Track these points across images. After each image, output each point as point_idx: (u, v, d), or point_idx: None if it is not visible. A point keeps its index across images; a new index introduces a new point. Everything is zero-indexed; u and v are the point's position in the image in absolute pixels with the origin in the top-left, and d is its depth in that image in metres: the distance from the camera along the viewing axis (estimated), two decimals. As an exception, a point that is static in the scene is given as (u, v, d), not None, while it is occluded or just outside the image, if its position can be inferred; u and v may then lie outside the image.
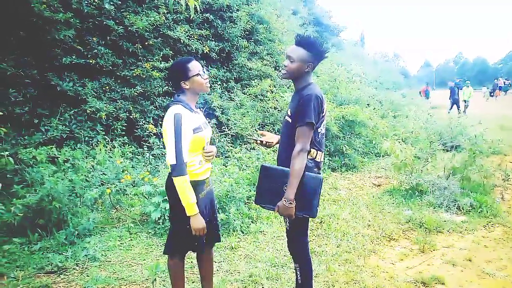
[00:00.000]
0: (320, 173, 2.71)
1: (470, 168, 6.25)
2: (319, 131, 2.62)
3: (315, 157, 2.65)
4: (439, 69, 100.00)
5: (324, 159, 2.75)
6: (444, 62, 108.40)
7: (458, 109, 20.07)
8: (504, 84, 38.31)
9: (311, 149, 2.59)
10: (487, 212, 5.27)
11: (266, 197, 2.68)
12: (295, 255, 2.89)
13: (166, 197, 4.40)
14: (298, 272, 2.86)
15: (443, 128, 9.39)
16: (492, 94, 33.02)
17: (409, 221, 5.04)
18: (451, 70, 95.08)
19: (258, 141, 3.00)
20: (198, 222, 2.47)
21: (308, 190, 2.55)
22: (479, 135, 7.64)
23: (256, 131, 7.44)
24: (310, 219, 2.89)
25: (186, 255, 2.84)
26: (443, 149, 8.20)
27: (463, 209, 5.37)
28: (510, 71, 62.55)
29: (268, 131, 7.69)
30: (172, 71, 2.60)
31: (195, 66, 2.56)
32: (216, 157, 6.18)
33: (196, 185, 2.55)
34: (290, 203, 2.48)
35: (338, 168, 7.90)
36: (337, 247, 4.30)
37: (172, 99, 2.58)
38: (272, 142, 2.99)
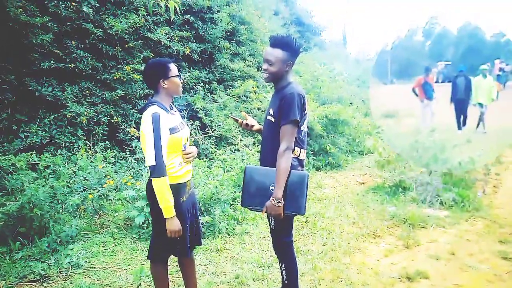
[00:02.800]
0: (304, 171, 2.71)
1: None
2: (302, 129, 2.64)
3: (299, 155, 2.66)
4: (396, 47, 70.37)
5: (305, 156, 2.76)
6: (407, 32, 72.88)
7: (464, 120, 11.26)
8: (503, 71, 18.16)
9: (295, 148, 2.60)
10: (469, 206, 5.36)
11: (253, 198, 2.67)
12: (280, 255, 2.89)
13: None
14: (283, 272, 2.87)
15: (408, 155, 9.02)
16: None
17: (393, 217, 5.09)
18: (420, 50, 56.80)
19: (239, 120, 3.00)
20: (173, 225, 2.44)
21: (295, 187, 2.55)
22: (470, 161, 7.53)
23: (231, 116, 7.42)
24: (294, 218, 2.89)
25: (170, 258, 2.82)
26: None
27: (446, 204, 5.45)
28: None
29: (252, 132, 7.66)
30: (152, 69, 2.56)
31: (174, 68, 2.57)
32: (200, 159, 6.17)
33: (177, 189, 2.53)
34: (279, 202, 2.48)
35: (322, 167, 7.94)
36: (322, 245, 4.32)
37: (147, 101, 2.55)
38: (253, 126, 2.99)
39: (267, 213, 2.55)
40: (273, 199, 2.49)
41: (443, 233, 4.65)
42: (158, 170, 2.34)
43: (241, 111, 7.32)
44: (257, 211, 2.69)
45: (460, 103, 11.18)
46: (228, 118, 7.09)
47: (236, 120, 3.03)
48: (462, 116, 11.23)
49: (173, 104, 2.71)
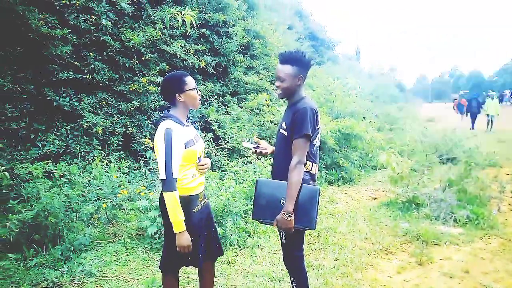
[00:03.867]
0: (315, 185, 2.72)
1: (466, 180, 6.28)
2: (314, 143, 2.65)
3: (311, 170, 2.67)
4: (435, 82, 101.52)
5: (317, 171, 2.76)
6: (439, 75, 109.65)
7: (472, 124, 18.46)
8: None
9: (307, 162, 2.61)
10: (483, 224, 5.28)
11: (264, 211, 2.68)
12: (290, 269, 2.88)
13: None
14: (294, 286, 2.85)
15: (438, 140, 9.44)
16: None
17: (406, 233, 5.03)
18: (447, 83, 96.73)
19: (253, 150, 2.99)
20: (183, 240, 2.45)
21: (306, 202, 2.55)
22: (474, 147, 7.70)
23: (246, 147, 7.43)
24: (306, 233, 2.89)
25: (182, 269, 2.83)
26: (439, 162, 8.23)
27: (460, 221, 5.37)
28: (505, 84, 63.33)
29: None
30: (169, 83, 2.60)
31: (191, 81, 2.60)
32: (212, 171, 6.19)
33: (190, 201, 2.57)
34: (290, 215, 2.48)
35: (335, 182, 7.91)
36: (334, 260, 4.29)
37: (162, 114, 2.59)
38: (267, 152, 2.99)
39: (278, 226, 2.55)
40: (283, 213, 2.49)
41: (457, 251, 4.58)
42: (168, 184, 2.38)
43: (253, 136, 7.36)
44: (267, 224, 2.69)
45: (473, 115, 18.87)
46: (244, 147, 7.09)
47: (251, 150, 3.02)
48: (474, 122, 18.85)
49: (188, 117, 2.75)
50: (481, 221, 5.34)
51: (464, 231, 5.14)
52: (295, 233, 2.61)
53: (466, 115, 18.73)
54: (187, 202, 2.52)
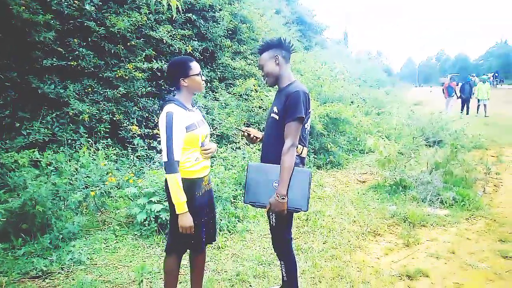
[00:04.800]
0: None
1: (452, 162, 6.37)
2: (305, 127, 2.66)
3: (301, 153, 2.68)
4: (422, 66, 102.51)
5: (307, 155, 2.78)
6: (426, 59, 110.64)
7: (467, 110, 17.86)
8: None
9: (298, 145, 2.62)
10: (469, 205, 5.38)
11: (256, 195, 2.69)
12: (279, 252, 2.91)
13: (151, 199, 4.41)
14: (283, 269, 2.88)
15: (425, 124, 9.53)
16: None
17: (394, 216, 5.11)
18: (434, 67, 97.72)
19: (246, 133, 2.99)
20: (185, 221, 2.48)
21: (298, 184, 2.57)
22: (460, 130, 7.79)
23: (239, 128, 7.41)
24: (295, 215, 2.91)
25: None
26: (426, 145, 8.32)
27: (446, 203, 5.46)
28: (490, 67, 63.89)
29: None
30: (173, 67, 2.62)
31: (196, 66, 2.63)
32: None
33: (193, 183, 2.59)
34: (283, 198, 2.49)
35: (323, 166, 7.95)
36: (323, 243, 4.34)
37: (167, 98, 2.61)
38: (258, 138, 3.00)
39: (271, 209, 2.57)
40: (277, 196, 2.50)
41: (443, 232, 4.67)
42: (169, 166, 2.41)
43: (241, 124, 7.36)
44: (260, 207, 2.70)
45: (466, 99, 18.18)
46: (238, 129, 7.08)
47: (244, 133, 3.02)
48: (465, 107, 18.10)
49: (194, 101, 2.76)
50: (466, 202, 5.44)
51: (450, 212, 5.23)
52: (286, 216, 2.63)
53: (457, 98, 17.86)
54: (190, 185, 2.55)
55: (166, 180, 2.59)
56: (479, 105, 17.96)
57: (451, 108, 16.75)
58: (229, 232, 4.60)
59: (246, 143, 6.96)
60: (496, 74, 44.72)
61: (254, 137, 2.99)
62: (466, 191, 5.78)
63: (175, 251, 2.76)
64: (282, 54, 2.69)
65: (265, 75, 2.73)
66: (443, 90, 18.31)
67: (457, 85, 19.14)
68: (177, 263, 2.81)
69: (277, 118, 2.64)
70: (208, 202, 2.80)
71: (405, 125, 9.59)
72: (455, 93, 17.70)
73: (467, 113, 17.19)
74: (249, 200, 2.74)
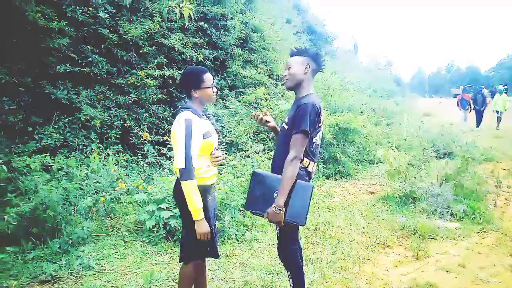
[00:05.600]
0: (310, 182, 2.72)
1: (463, 175, 6.31)
2: (313, 141, 2.64)
3: (307, 167, 2.66)
4: (432, 77, 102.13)
5: (316, 169, 2.77)
6: (436, 70, 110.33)
7: (479, 121, 16.74)
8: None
9: (304, 158, 2.61)
10: (480, 218, 5.31)
11: (256, 203, 2.69)
12: (285, 262, 2.91)
13: (161, 205, 4.42)
14: (290, 280, 2.87)
15: (435, 135, 9.48)
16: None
17: (403, 228, 5.06)
18: (444, 78, 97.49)
19: (257, 113, 2.97)
20: (203, 227, 2.50)
21: (298, 197, 2.56)
22: (471, 142, 7.73)
23: (250, 137, 7.44)
24: (302, 227, 2.90)
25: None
26: (436, 156, 8.25)
27: (456, 215, 5.41)
28: (501, 79, 63.62)
29: (262, 138, 7.72)
30: (186, 77, 2.67)
31: (208, 78, 2.66)
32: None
33: (205, 190, 2.61)
34: (280, 209, 2.49)
35: (332, 176, 7.93)
36: (332, 254, 4.31)
37: (181, 105, 2.65)
38: (269, 122, 2.96)
39: (269, 219, 2.57)
40: (274, 206, 2.50)
41: (454, 245, 4.61)
42: (187, 173, 2.42)
43: (263, 108, 7.36)
44: (258, 215, 2.70)
45: (480, 111, 17.14)
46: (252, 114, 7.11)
47: (256, 117, 3.00)
48: (481, 120, 17.00)
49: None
50: (477, 215, 5.37)
51: (460, 225, 5.17)
52: (288, 227, 2.63)
53: (470, 111, 16.94)
54: (203, 191, 2.56)
55: (175, 187, 2.60)
56: (499, 117, 16.96)
57: (463, 121, 16.23)
58: (237, 240, 4.60)
59: (255, 151, 6.96)
60: (506, 86, 44.42)
61: (265, 121, 2.96)
62: (476, 204, 5.71)
63: (195, 259, 2.75)
64: (313, 66, 2.71)
65: (287, 76, 2.71)
66: (457, 102, 17.80)
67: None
68: (195, 272, 2.80)
69: (287, 128, 2.66)
70: (214, 209, 2.83)
71: (415, 136, 9.53)
72: (469, 106, 17.09)
73: (477, 126, 16.30)
74: (249, 207, 2.76)
